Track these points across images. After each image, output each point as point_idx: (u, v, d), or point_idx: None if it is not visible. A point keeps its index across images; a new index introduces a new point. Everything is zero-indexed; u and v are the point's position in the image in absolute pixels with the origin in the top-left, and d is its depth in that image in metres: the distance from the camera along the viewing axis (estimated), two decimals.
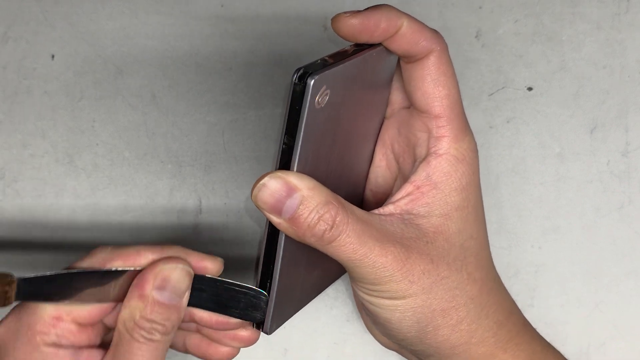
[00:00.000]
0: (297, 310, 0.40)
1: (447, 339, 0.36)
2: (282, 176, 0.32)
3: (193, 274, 0.35)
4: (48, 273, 0.33)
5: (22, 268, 0.46)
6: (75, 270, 0.34)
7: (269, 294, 0.36)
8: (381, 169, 0.40)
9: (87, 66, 0.47)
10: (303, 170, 0.33)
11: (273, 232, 0.35)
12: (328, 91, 0.32)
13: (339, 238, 0.33)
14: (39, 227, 0.46)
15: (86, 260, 0.35)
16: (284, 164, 0.33)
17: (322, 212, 0.33)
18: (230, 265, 0.47)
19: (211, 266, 0.36)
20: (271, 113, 0.47)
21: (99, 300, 0.35)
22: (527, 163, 0.47)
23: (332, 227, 0.33)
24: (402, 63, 0.37)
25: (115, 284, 0.35)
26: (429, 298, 0.35)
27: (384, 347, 0.42)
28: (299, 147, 0.32)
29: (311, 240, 0.33)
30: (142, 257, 0.35)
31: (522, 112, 0.47)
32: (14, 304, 0.34)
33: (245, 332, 0.38)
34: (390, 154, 0.40)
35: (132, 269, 0.35)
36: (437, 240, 0.35)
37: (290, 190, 0.32)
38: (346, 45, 0.35)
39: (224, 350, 0.38)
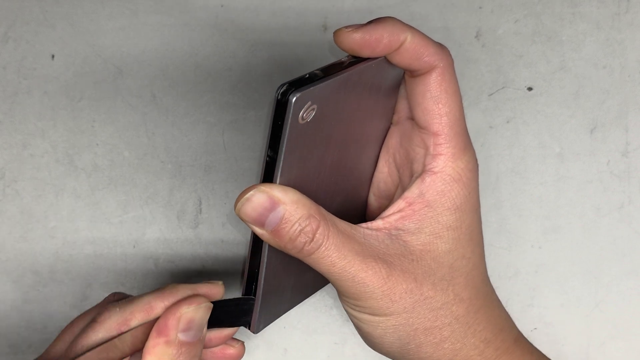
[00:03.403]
0: (289, 309, 0.41)
1: (430, 356, 0.36)
2: (266, 190, 0.32)
3: (212, 306, 0.35)
4: None
5: (22, 269, 0.46)
6: (94, 352, 0.33)
7: (254, 296, 0.36)
8: (383, 174, 0.40)
9: (87, 66, 0.47)
10: (287, 182, 0.33)
11: (256, 239, 0.35)
12: (315, 106, 0.31)
13: (317, 251, 0.33)
14: (39, 227, 0.46)
15: (98, 329, 0.34)
16: (268, 176, 0.33)
17: (304, 226, 0.33)
18: (230, 265, 0.47)
19: (214, 292, 0.36)
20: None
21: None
22: (527, 163, 0.47)
23: (311, 240, 0.33)
24: (406, 76, 0.36)
25: (124, 338, 0.34)
26: (411, 317, 0.35)
27: None
28: (282, 161, 0.32)
29: (292, 252, 0.33)
30: (154, 308, 0.34)
31: (522, 112, 0.47)
32: None
33: (232, 349, 0.38)
34: (392, 162, 0.39)
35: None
36: (423, 259, 0.35)
37: (274, 204, 0.32)
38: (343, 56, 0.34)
39: None
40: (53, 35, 0.47)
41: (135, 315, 0.34)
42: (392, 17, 0.33)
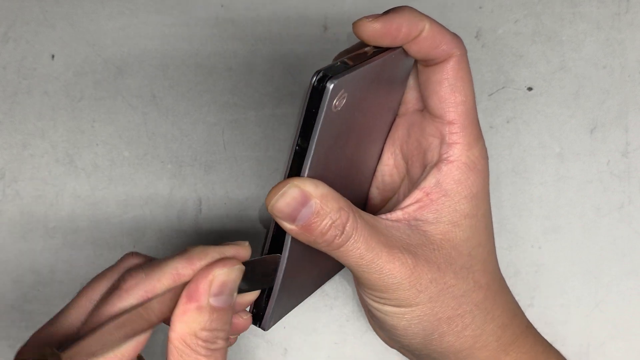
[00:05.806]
0: (295, 307, 0.40)
1: (452, 344, 0.36)
2: (298, 185, 0.32)
3: (244, 268, 0.33)
4: (91, 336, 0.29)
5: (22, 269, 0.46)
6: (120, 321, 0.30)
7: (270, 294, 0.36)
8: (389, 167, 0.40)
9: (87, 66, 0.47)
10: (315, 174, 0.33)
11: (278, 235, 0.34)
12: (345, 95, 0.31)
13: (347, 243, 0.33)
14: (39, 227, 0.46)
15: (125, 297, 0.31)
16: (296, 166, 0.32)
17: (335, 219, 0.32)
18: None
19: (242, 254, 0.34)
20: (271, 113, 0.47)
21: (138, 331, 0.31)
22: (527, 163, 0.47)
23: (342, 233, 0.33)
24: (419, 66, 0.36)
25: (151, 306, 0.31)
26: (435, 306, 0.35)
27: (384, 347, 0.42)
28: (313, 151, 0.31)
29: (321, 246, 0.33)
30: (182, 275, 0.32)
31: (522, 112, 0.47)
32: None
33: (241, 320, 0.36)
34: (399, 154, 0.39)
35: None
36: (444, 248, 0.35)
37: (306, 198, 0.32)
38: (357, 47, 0.34)
39: None
40: (53, 35, 0.47)
41: (162, 282, 0.32)
42: (409, 6, 0.34)
